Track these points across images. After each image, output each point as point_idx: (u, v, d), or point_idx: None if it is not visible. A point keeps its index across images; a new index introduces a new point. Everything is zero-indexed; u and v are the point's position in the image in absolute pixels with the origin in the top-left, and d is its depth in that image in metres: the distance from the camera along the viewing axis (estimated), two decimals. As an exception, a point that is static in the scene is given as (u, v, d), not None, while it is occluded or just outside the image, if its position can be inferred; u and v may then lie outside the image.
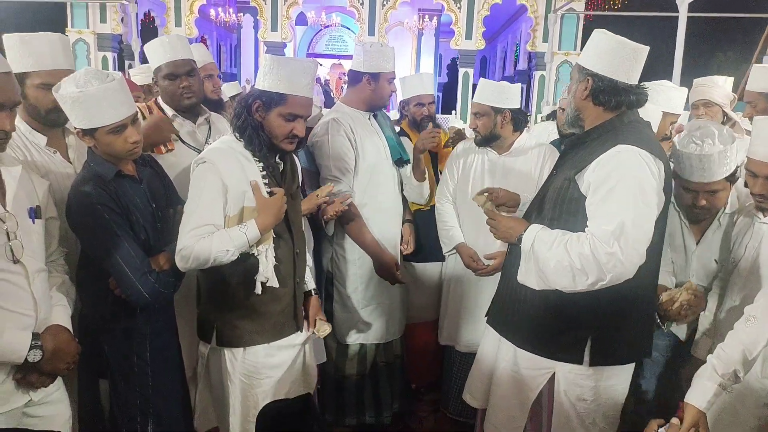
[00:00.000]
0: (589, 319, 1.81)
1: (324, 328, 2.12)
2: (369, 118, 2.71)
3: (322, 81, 13.57)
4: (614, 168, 1.68)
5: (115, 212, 1.76)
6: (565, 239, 1.72)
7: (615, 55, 1.76)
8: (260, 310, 1.94)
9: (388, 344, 2.83)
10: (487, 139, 2.67)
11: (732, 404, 1.89)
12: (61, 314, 1.70)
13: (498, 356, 2.05)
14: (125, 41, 9.99)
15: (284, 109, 1.82)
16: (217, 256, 1.76)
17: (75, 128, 1.77)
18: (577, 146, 1.88)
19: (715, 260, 2.11)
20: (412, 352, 3.05)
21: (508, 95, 2.62)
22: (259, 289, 1.88)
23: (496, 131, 2.65)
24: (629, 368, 1.94)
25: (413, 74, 3.58)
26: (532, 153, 2.68)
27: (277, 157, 1.97)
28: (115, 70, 8.16)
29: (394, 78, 2.68)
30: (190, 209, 1.82)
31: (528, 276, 1.83)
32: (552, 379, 1.91)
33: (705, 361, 2.04)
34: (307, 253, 2.26)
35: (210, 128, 2.52)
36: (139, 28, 10.11)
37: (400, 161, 2.76)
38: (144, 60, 4.17)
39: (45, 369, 1.60)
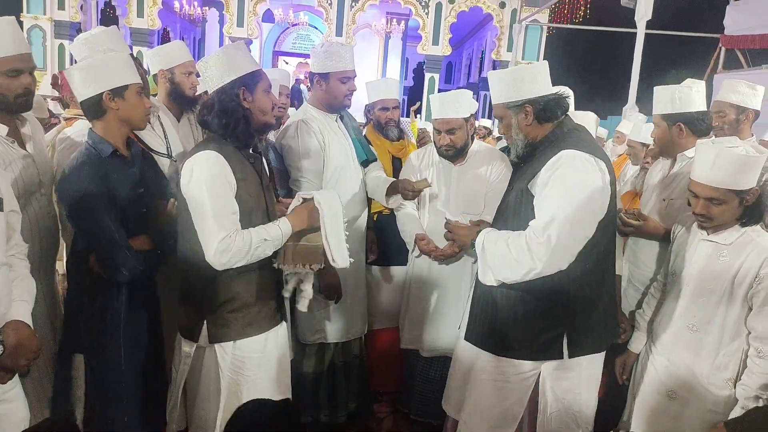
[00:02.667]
0: (560, 316, 1.93)
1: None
2: (336, 120, 2.73)
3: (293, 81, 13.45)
4: (555, 169, 1.82)
5: (103, 188, 1.82)
6: (507, 235, 1.89)
7: (537, 76, 1.91)
8: (251, 301, 1.96)
9: (347, 343, 2.84)
10: (460, 151, 2.61)
11: (676, 409, 2.00)
12: (23, 309, 1.66)
13: (476, 368, 2.09)
14: (84, 30, 9.69)
15: (263, 84, 1.95)
16: (258, 246, 1.83)
17: (105, 93, 1.84)
18: (525, 160, 1.99)
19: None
20: (374, 357, 3.06)
21: (470, 102, 2.59)
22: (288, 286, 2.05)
23: (468, 141, 2.63)
24: (601, 356, 2.08)
25: (378, 79, 3.61)
26: (483, 160, 2.66)
27: (251, 149, 2.02)
28: (72, 59, 7.90)
29: (351, 77, 2.61)
30: (209, 204, 1.80)
31: (485, 274, 1.95)
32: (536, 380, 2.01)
33: (637, 354, 2.23)
34: None
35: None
36: (100, 17, 9.85)
37: (365, 162, 2.79)
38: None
39: (5, 365, 1.56)
